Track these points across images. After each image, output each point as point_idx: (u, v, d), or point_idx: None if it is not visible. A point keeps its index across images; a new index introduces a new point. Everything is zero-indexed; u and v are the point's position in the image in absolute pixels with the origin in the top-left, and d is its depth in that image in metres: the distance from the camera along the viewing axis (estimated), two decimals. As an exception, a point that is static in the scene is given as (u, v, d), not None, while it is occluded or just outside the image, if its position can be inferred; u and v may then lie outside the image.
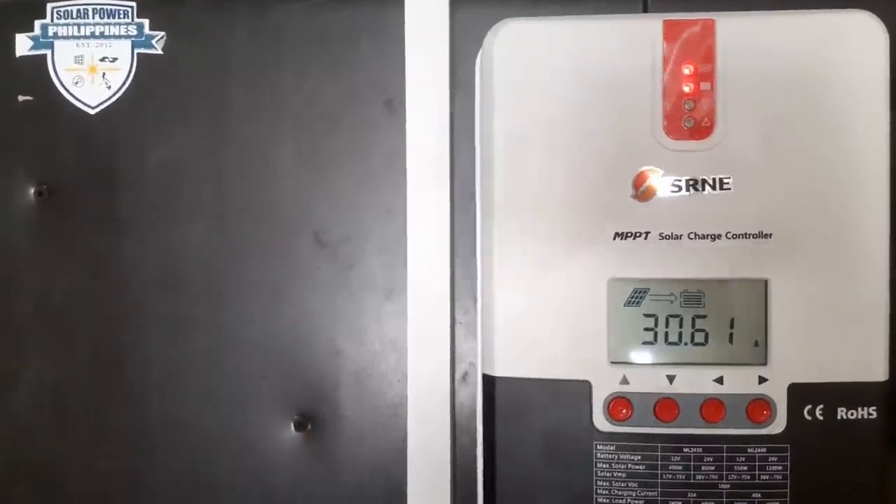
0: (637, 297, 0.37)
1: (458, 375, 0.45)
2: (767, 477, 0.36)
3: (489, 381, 0.38)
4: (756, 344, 0.37)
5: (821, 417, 0.36)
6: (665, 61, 0.36)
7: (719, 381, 0.36)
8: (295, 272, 0.46)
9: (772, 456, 0.36)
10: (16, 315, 0.47)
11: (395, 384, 0.45)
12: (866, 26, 0.36)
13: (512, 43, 0.37)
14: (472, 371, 0.44)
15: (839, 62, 0.36)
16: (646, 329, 0.37)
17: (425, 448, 0.44)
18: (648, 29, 0.36)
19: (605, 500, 0.36)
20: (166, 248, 0.46)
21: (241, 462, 0.46)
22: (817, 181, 0.36)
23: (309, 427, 0.45)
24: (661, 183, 0.36)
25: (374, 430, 0.45)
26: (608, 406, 0.37)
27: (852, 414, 0.36)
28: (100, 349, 0.46)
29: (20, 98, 0.47)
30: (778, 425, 0.36)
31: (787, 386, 0.36)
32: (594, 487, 0.37)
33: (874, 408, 0.36)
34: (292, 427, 0.45)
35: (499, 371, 0.38)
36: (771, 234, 0.36)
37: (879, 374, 0.36)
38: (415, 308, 0.44)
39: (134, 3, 0.46)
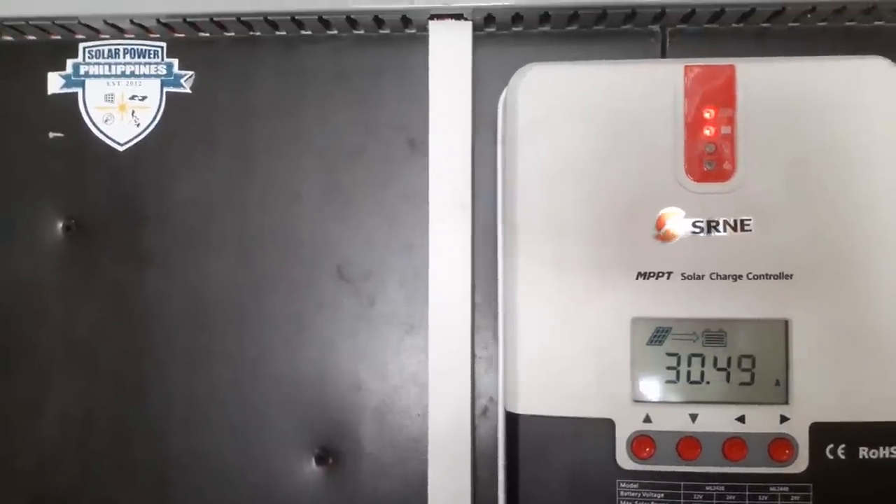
0: (660, 336, 0.37)
1: (478, 410, 0.45)
2: None
3: (512, 419, 0.38)
4: (777, 383, 0.37)
5: (843, 457, 0.36)
6: (686, 105, 0.37)
7: (741, 419, 0.37)
8: (317, 306, 0.46)
9: (794, 495, 0.36)
10: (41, 346, 0.48)
11: (416, 418, 0.46)
12: (883, 71, 0.37)
13: (537, 86, 0.38)
14: (492, 406, 0.45)
15: (856, 106, 0.37)
16: (668, 368, 0.37)
17: (446, 482, 0.44)
18: (670, 74, 0.37)
19: None
20: (191, 281, 0.47)
21: (262, 495, 0.46)
22: (837, 222, 0.37)
23: (330, 461, 0.46)
24: (683, 224, 0.37)
25: (395, 464, 0.46)
26: (631, 444, 0.37)
27: (874, 454, 0.36)
28: (123, 381, 0.47)
29: (51, 135, 0.48)
30: (800, 464, 0.37)
31: (808, 425, 0.37)
32: None
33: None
34: (313, 461, 0.46)
35: (522, 409, 0.38)
36: (792, 275, 0.37)
37: None
38: (435, 343, 0.45)
39: (164, 44, 0.47)
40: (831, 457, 0.36)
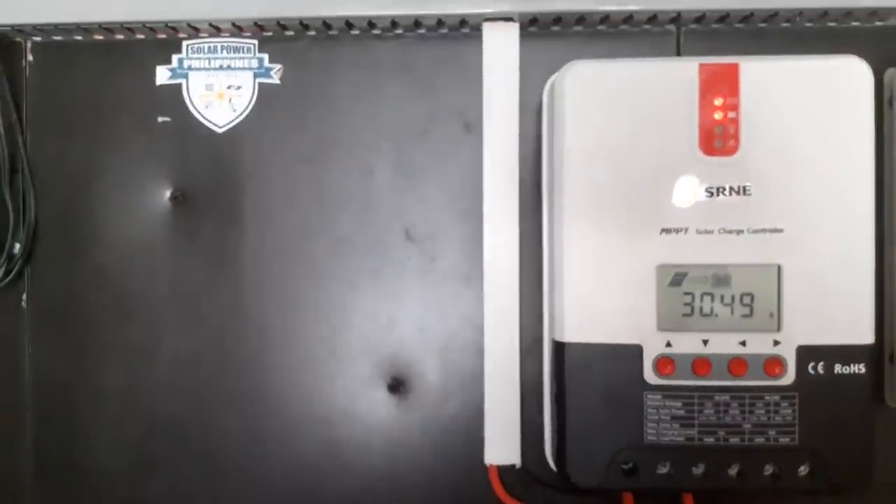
0: (678, 279, 0.44)
1: (524, 347, 0.52)
2: (780, 419, 0.44)
3: (559, 346, 0.46)
4: (771, 315, 0.44)
5: (822, 372, 0.44)
6: (700, 94, 0.44)
7: (743, 343, 0.44)
8: (388, 263, 0.53)
9: (783, 402, 0.44)
10: (154, 297, 0.54)
11: (473, 354, 0.52)
12: (855, 68, 0.44)
13: (580, 79, 0.45)
14: (535, 345, 0.52)
15: (835, 96, 0.44)
16: (685, 304, 0.44)
17: (499, 406, 0.51)
18: (687, 70, 0.44)
19: (653, 438, 0.45)
20: (280, 243, 0.53)
21: (345, 417, 0.53)
22: (819, 187, 0.44)
23: (401, 390, 0.53)
24: (698, 189, 0.45)
25: (456, 392, 0.53)
26: (656, 364, 0.45)
27: (846, 369, 0.44)
28: (224, 327, 0.53)
29: (160, 119, 0.54)
30: (788, 378, 0.44)
31: (796, 347, 0.44)
32: (644, 428, 0.45)
33: (863, 364, 0.44)
34: (386, 389, 0.53)
35: (568, 338, 0.45)
36: (783, 229, 0.44)
37: (868, 337, 0.44)
38: (489, 292, 0.52)
39: (256, 41, 0.53)
40: (813, 372, 0.44)
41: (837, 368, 0.44)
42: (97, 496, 0.54)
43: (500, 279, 0.52)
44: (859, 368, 0.44)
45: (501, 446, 0.52)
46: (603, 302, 0.45)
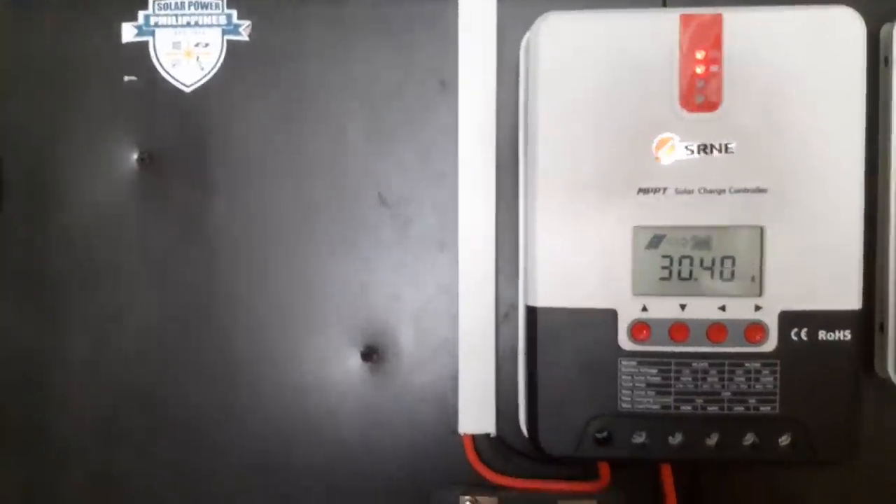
0: (656, 241, 0.43)
1: (500, 314, 0.51)
2: (761, 387, 0.43)
3: (532, 311, 0.44)
4: (753, 279, 0.42)
5: (805, 339, 0.42)
6: (681, 48, 0.42)
7: (723, 308, 0.42)
8: (361, 227, 0.52)
9: (764, 370, 0.43)
10: (122, 263, 0.53)
11: (447, 322, 0.51)
12: (847, 20, 0.42)
13: (555, 32, 0.43)
14: (513, 311, 0.50)
15: (824, 49, 0.42)
16: (663, 267, 0.43)
17: (474, 374, 0.50)
18: (668, 21, 0.42)
19: (627, 406, 0.43)
20: (250, 206, 0.52)
21: (318, 385, 0.52)
22: (805, 146, 0.42)
23: (374, 357, 0.52)
24: (677, 147, 0.43)
25: (430, 359, 0.51)
26: (631, 329, 0.43)
27: (831, 336, 0.42)
28: (193, 292, 0.52)
29: (126, 78, 0.52)
30: (770, 345, 0.42)
31: (778, 313, 0.42)
32: (619, 395, 0.43)
33: (849, 331, 0.42)
34: (360, 357, 0.52)
35: (541, 302, 0.44)
36: (766, 189, 0.42)
37: (854, 303, 0.42)
38: (464, 258, 0.50)
39: None
40: (796, 339, 0.42)
41: (822, 335, 0.43)
42: (64, 467, 0.53)
43: (475, 244, 0.51)
44: (845, 335, 0.43)
45: (475, 415, 0.50)
46: (577, 265, 0.44)
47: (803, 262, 0.43)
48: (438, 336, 0.52)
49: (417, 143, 0.52)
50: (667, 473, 0.47)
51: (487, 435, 0.51)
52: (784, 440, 0.43)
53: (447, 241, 0.52)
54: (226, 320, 0.53)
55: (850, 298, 0.43)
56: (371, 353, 0.52)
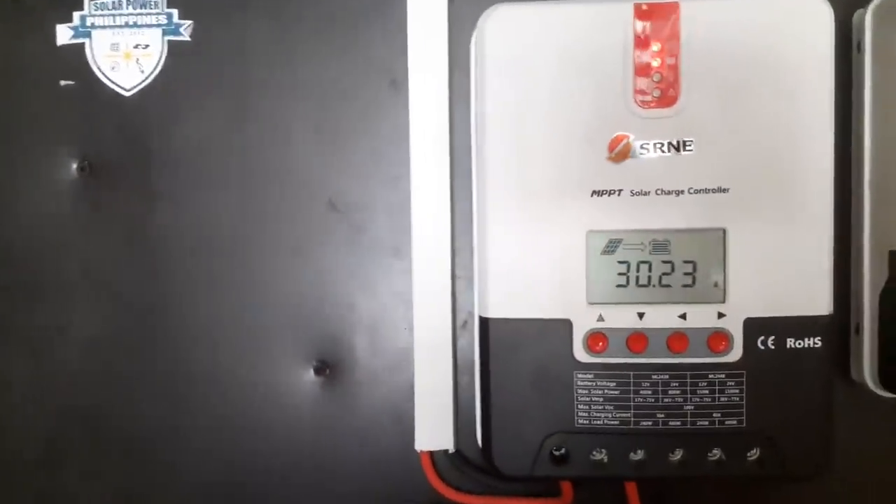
0: (612, 246, 0.41)
1: (458, 323, 0.49)
2: (726, 399, 0.40)
3: (484, 322, 0.42)
4: (716, 284, 0.40)
5: (772, 347, 0.40)
6: (636, 39, 0.40)
7: (683, 317, 0.40)
8: (312, 235, 0.49)
9: (730, 381, 0.40)
10: (63, 275, 0.50)
11: (403, 332, 0.49)
12: (814, 6, 0.39)
13: (502, 25, 0.41)
14: (471, 320, 0.48)
15: (790, 38, 0.39)
16: (619, 274, 0.40)
17: (430, 387, 0.48)
18: (621, 11, 0.40)
19: (585, 421, 0.41)
20: (196, 215, 0.50)
21: (268, 402, 0.50)
22: (770, 142, 0.40)
23: (327, 371, 0.50)
24: (633, 146, 0.40)
25: (385, 372, 0.49)
26: (587, 340, 0.41)
27: (800, 343, 0.40)
28: (138, 306, 0.50)
29: (62, 83, 0.50)
30: (735, 354, 0.40)
31: (743, 320, 0.40)
32: (575, 410, 0.41)
33: (819, 338, 0.40)
34: (312, 372, 0.50)
35: (493, 313, 0.42)
36: (728, 189, 0.40)
37: (824, 308, 0.40)
38: (419, 265, 0.48)
39: None
40: (762, 347, 0.40)
41: (790, 343, 0.40)
42: (6, 489, 0.51)
43: (430, 251, 0.48)
44: (815, 342, 0.40)
45: (433, 431, 0.48)
46: (529, 273, 0.41)
47: (769, 265, 0.40)
48: (395, 347, 0.50)
49: (369, 145, 0.49)
50: (632, 491, 0.45)
51: (446, 451, 0.48)
52: (752, 455, 0.41)
53: (402, 247, 0.49)
54: (173, 334, 0.51)
55: (820, 303, 0.40)
56: (324, 367, 0.50)
